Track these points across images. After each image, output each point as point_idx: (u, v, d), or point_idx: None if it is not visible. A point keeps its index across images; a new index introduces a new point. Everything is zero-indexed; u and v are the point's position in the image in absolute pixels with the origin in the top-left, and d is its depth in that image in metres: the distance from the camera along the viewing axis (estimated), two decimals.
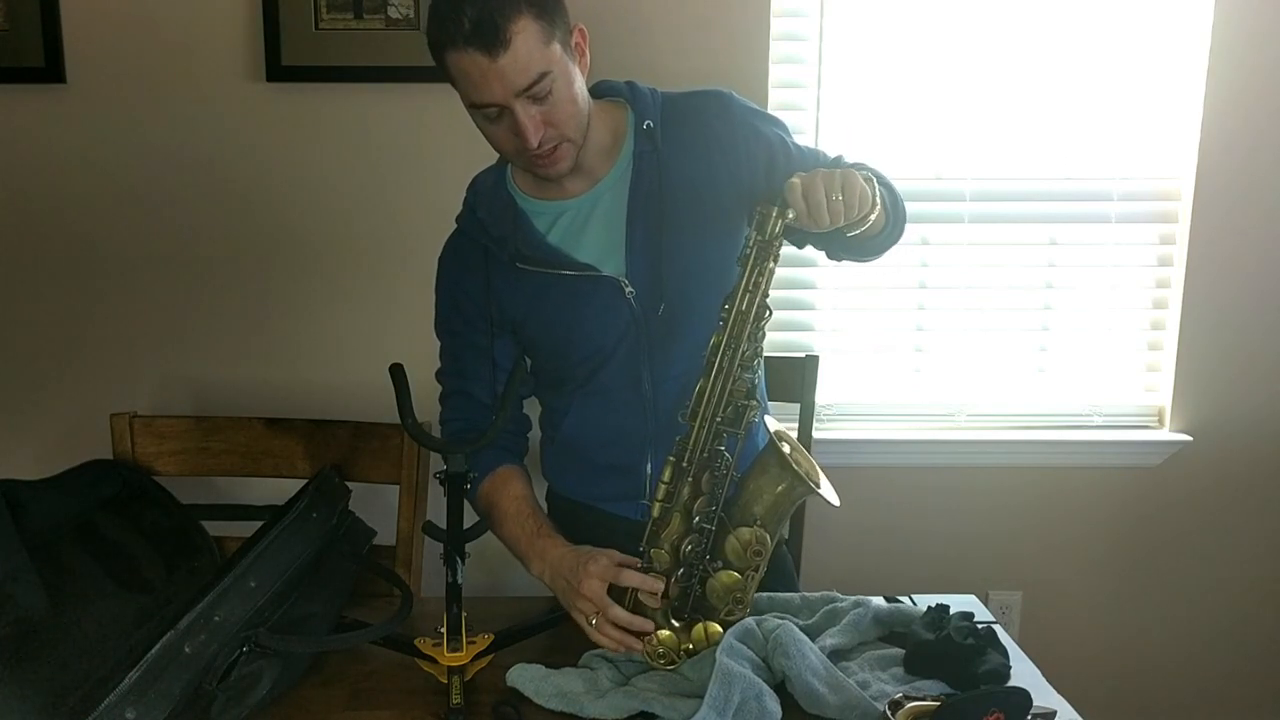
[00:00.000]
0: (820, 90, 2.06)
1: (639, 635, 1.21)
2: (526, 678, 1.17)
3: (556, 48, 1.22)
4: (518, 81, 1.20)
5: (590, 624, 1.22)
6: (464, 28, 1.17)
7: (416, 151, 2.02)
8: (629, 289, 1.35)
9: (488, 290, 1.39)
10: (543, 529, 1.34)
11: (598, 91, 1.37)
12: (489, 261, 1.39)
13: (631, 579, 1.21)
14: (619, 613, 1.21)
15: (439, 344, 1.49)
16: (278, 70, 1.96)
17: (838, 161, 1.40)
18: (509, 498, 1.38)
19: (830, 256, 1.42)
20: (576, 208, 1.37)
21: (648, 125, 1.35)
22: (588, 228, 1.37)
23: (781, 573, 1.57)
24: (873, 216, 1.22)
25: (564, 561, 1.27)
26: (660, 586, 1.20)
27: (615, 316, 1.36)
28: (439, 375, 1.49)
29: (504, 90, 1.20)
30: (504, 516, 1.37)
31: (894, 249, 1.42)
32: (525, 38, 1.18)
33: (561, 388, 1.45)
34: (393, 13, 1.94)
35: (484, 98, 1.22)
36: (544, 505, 1.61)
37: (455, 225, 1.44)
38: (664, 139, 1.35)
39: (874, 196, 1.22)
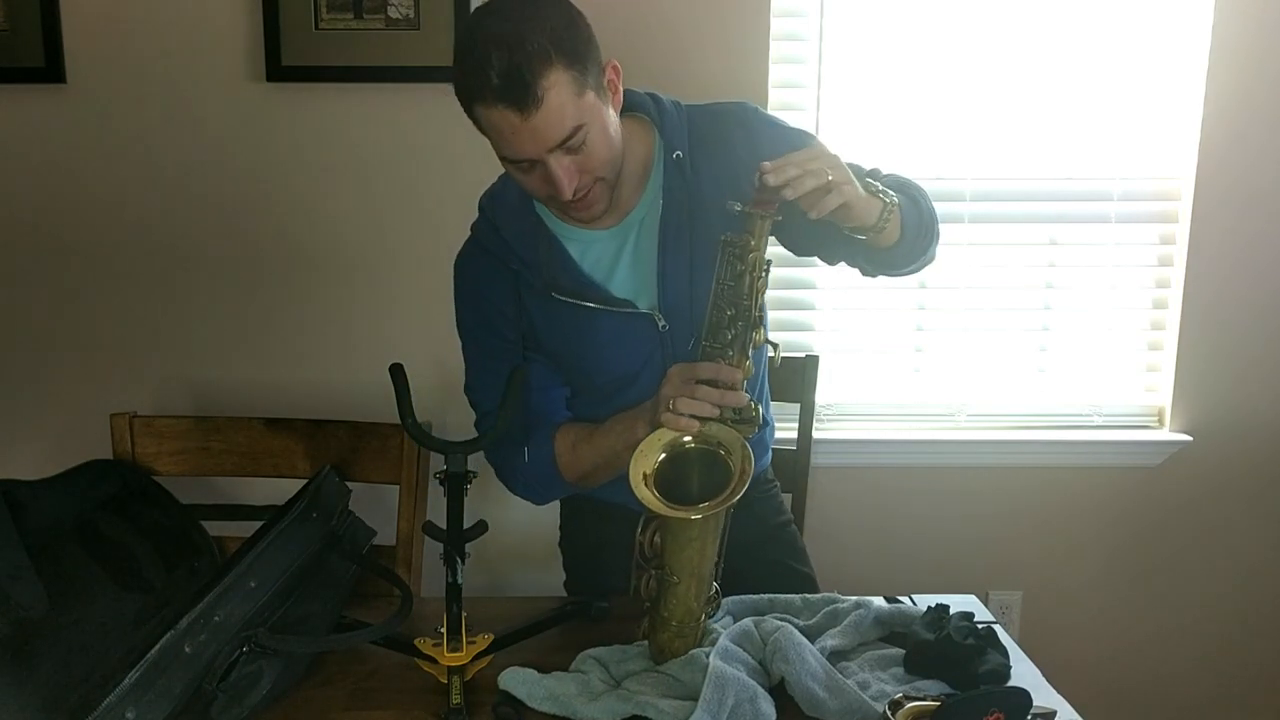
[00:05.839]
0: (820, 90, 2.06)
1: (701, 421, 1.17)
2: (518, 681, 1.17)
3: (590, 95, 1.17)
4: (551, 138, 1.16)
5: (679, 405, 1.17)
6: (492, 82, 1.12)
7: (416, 151, 2.02)
8: (663, 323, 1.33)
9: (519, 309, 1.37)
10: (626, 412, 1.32)
11: (622, 105, 1.31)
12: (519, 283, 1.36)
13: (706, 370, 1.18)
14: (705, 368, 1.18)
15: (468, 364, 1.43)
16: (278, 70, 1.97)
17: (874, 173, 1.38)
18: (583, 428, 1.37)
19: (864, 273, 1.40)
20: (607, 240, 1.35)
21: (677, 156, 1.32)
22: (620, 262, 1.35)
23: (793, 547, 1.59)
24: (884, 226, 1.22)
25: (650, 401, 1.27)
26: (738, 375, 1.18)
27: (645, 346, 1.35)
28: (476, 393, 1.43)
29: (536, 147, 1.17)
30: (592, 436, 1.35)
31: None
32: (558, 92, 1.13)
33: (581, 398, 1.43)
34: (393, 13, 1.94)
35: (516, 154, 1.19)
36: (559, 504, 1.61)
37: (471, 235, 1.40)
38: (692, 167, 1.32)
39: (883, 212, 1.21)
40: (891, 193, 1.25)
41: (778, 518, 1.60)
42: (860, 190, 1.19)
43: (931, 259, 1.42)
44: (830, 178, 1.13)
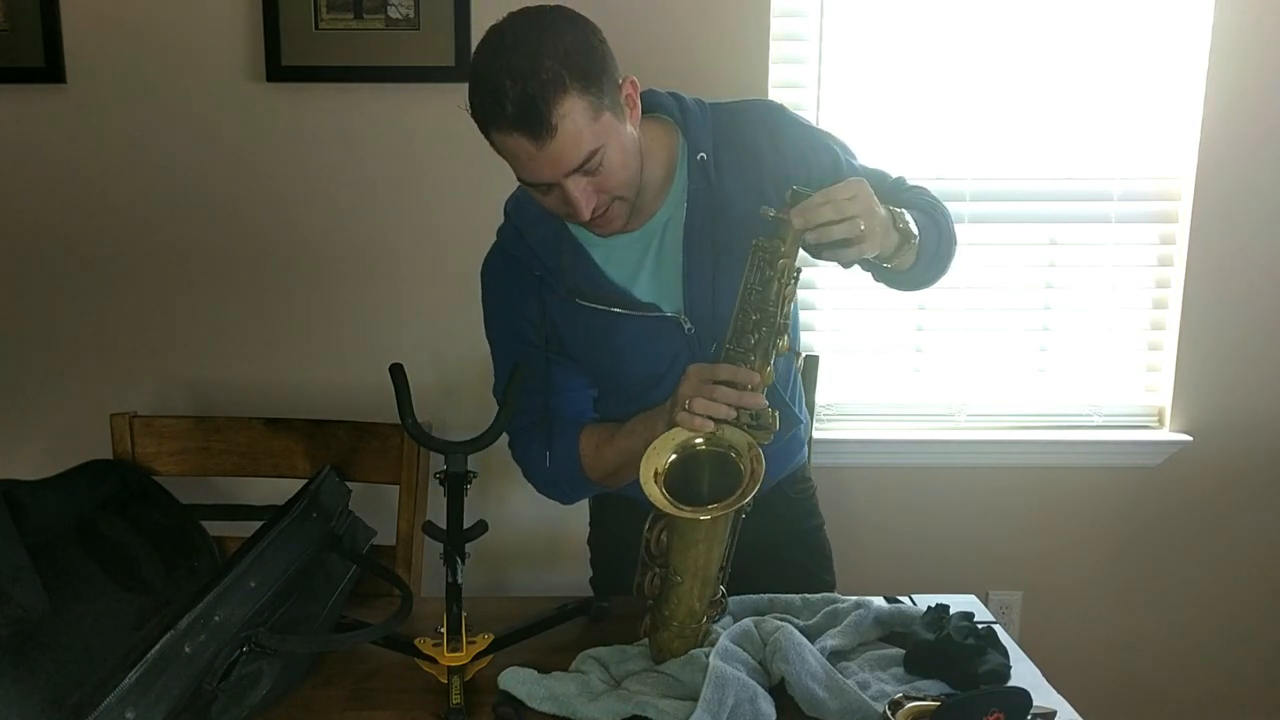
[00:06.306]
0: (820, 90, 2.06)
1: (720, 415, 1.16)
2: (518, 681, 1.17)
3: (606, 116, 1.16)
4: (567, 164, 1.16)
5: (694, 405, 1.16)
6: (507, 111, 1.12)
7: (416, 151, 2.02)
8: (688, 326, 1.33)
9: (543, 315, 1.37)
10: (648, 412, 1.32)
11: (644, 106, 1.28)
12: (543, 288, 1.36)
13: (725, 371, 1.17)
14: (723, 370, 1.17)
15: (496, 367, 1.43)
16: (278, 70, 1.97)
17: (898, 184, 1.37)
18: (606, 428, 1.37)
19: (875, 279, 1.39)
20: (630, 244, 1.34)
21: (701, 158, 1.31)
22: (644, 266, 1.34)
23: (822, 554, 1.58)
24: (903, 252, 1.22)
25: (670, 400, 1.25)
26: (757, 378, 1.17)
27: (671, 349, 1.35)
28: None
29: (553, 172, 1.17)
30: (614, 437, 1.35)
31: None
32: (572, 119, 1.13)
33: (610, 400, 1.43)
34: (393, 13, 1.94)
35: (533, 178, 1.19)
36: (588, 501, 1.62)
37: (496, 240, 1.40)
38: (716, 169, 1.31)
39: (901, 246, 1.21)
40: (915, 229, 1.24)
41: (809, 521, 1.58)
42: (881, 230, 1.17)
43: (940, 278, 1.40)
44: (863, 227, 1.12)
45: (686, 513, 1.13)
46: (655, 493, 1.13)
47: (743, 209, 1.26)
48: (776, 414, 1.17)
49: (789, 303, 1.18)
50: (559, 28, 1.15)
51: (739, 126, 1.33)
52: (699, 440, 1.17)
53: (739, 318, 1.19)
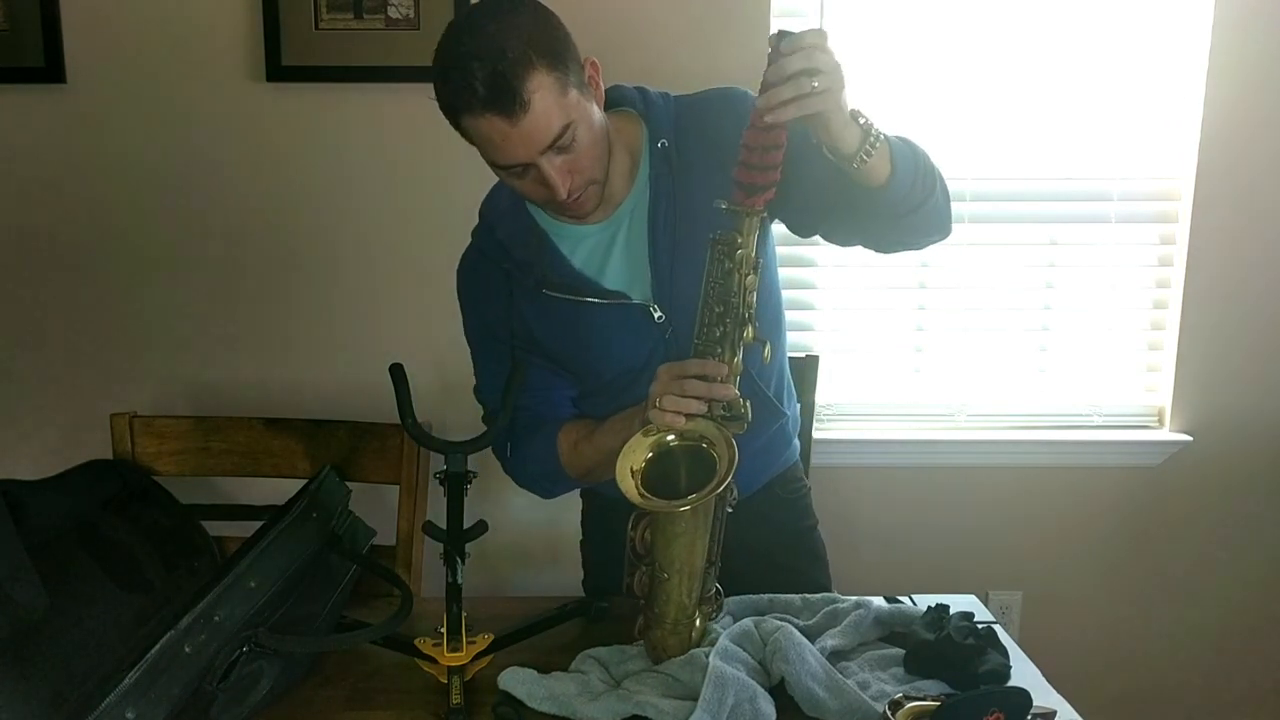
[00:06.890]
0: None
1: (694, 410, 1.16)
2: (518, 681, 1.17)
3: (573, 93, 1.18)
4: (541, 140, 1.17)
5: (664, 402, 1.17)
6: (478, 92, 1.13)
7: (416, 151, 2.02)
8: (658, 314, 1.33)
9: (509, 311, 1.37)
10: (625, 411, 1.32)
11: (609, 101, 1.32)
12: (511, 283, 1.36)
13: (693, 366, 1.18)
14: (692, 365, 1.18)
15: (476, 366, 1.45)
16: (278, 70, 1.97)
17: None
18: (584, 426, 1.38)
19: (878, 249, 1.36)
20: (598, 234, 1.35)
21: (662, 145, 1.32)
22: (611, 255, 1.35)
23: (815, 556, 1.58)
24: (868, 157, 1.17)
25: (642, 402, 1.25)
26: (725, 370, 1.18)
27: (645, 339, 1.35)
28: (483, 394, 1.45)
29: (528, 151, 1.18)
30: (592, 435, 1.36)
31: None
32: (543, 94, 1.15)
33: (593, 398, 1.43)
34: (393, 13, 1.95)
35: (508, 159, 1.20)
36: (580, 504, 1.63)
37: (471, 240, 1.41)
38: (678, 156, 1.32)
39: (864, 141, 1.16)
40: (878, 131, 1.19)
41: (801, 522, 1.58)
42: (845, 106, 1.14)
43: (941, 224, 1.34)
44: (815, 85, 1.07)
45: (661, 505, 1.14)
46: (630, 488, 1.15)
47: (708, 194, 1.24)
48: (749, 404, 1.18)
49: (751, 292, 1.18)
50: (517, 12, 1.17)
51: (703, 114, 1.34)
52: (671, 436, 1.18)
53: (704, 312, 1.20)
